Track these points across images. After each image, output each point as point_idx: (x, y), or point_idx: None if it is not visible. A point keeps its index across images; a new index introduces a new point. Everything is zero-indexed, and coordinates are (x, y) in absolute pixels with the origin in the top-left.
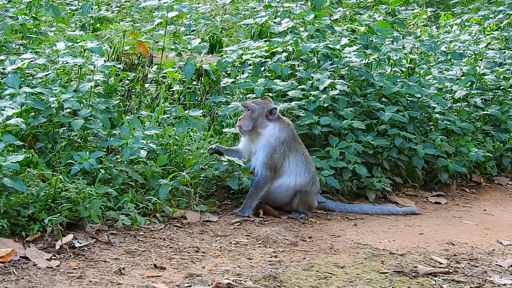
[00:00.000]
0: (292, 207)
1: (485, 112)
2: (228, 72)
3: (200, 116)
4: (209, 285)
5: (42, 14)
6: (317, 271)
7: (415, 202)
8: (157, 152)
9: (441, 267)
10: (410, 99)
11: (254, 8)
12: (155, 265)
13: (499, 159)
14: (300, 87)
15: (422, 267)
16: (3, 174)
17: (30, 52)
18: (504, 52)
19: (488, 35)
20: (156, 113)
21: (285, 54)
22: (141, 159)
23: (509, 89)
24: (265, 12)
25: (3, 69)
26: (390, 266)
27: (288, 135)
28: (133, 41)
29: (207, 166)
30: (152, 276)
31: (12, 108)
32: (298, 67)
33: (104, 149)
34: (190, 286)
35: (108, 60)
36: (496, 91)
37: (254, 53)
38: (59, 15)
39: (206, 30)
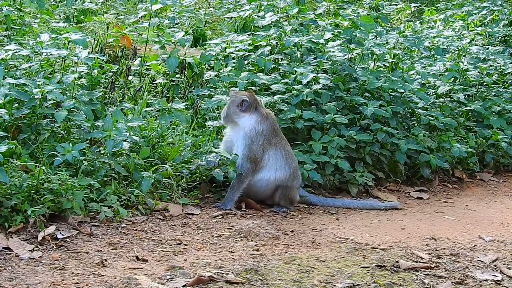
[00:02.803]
0: (274, 201)
1: (468, 108)
2: (211, 65)
3: (183, 108)
4: (190, 278)
5: (26, 5)
6: (298, 264)
7: (397, 197)
8: (140, 145)
9: (422, 262)
10: (393, 94)
11: (238, 1)
12: (137, 257)
13: (481, 155)
14: (283, 81)
15: (404, 262)
16: None
17: (14, 43)
18: (488, 48)
19: (472, 31)
20: (139, 106)
21: (268, 48)
22: (124, 151)
23: (492, 85)
24: (249, 5)
25: None
26: (372, 261)
27: (266, 128)
28: (117, 33)
29: (190, 159)
30: (134, 268)
31: None
32: (281, 61)
33: (87, 141)
34: (172, 278)
35: (91, 52)
36: (479, 87)
37: (238, 46)
38: (43, 7)
39: (190, 23)
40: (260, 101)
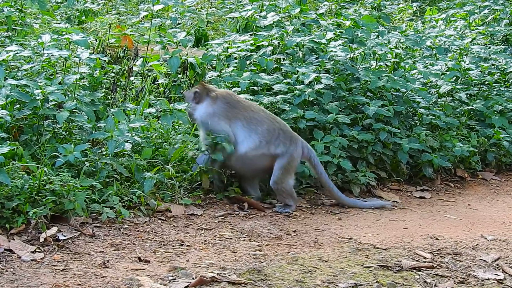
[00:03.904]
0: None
1: (470, 107)
2: (213, 65)
3: (185, 109)
4: (193, 278)
5: (28, 6)
6: (301, 264)
7: (399, 197)
8: (142, 145)
9: (425, 262)
10: (395, 93)
11: (240, 1)
12: (139, 258)
13: (483, 154)
14: (285, 81)
15: (406, 261)
16: None
17: (16, 44)
18: (489, 47)
19: (473, 30)
20: (141, 106)
21: (270, 48)
22: (126, 152)
23: (494, 84)
24: (251, 5)
25: None
26: (374, 260)
27: (218, 107)
28: (118, 34)
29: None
30: (137, 269)
31: None
32: (283, 61)
33: (89, 142)
34: (174, 279)
35: (93, 53)
36: (481, 86)
37: (240, 46)
38: (44, 8)
39: (192, 24)
40: (215, 88)
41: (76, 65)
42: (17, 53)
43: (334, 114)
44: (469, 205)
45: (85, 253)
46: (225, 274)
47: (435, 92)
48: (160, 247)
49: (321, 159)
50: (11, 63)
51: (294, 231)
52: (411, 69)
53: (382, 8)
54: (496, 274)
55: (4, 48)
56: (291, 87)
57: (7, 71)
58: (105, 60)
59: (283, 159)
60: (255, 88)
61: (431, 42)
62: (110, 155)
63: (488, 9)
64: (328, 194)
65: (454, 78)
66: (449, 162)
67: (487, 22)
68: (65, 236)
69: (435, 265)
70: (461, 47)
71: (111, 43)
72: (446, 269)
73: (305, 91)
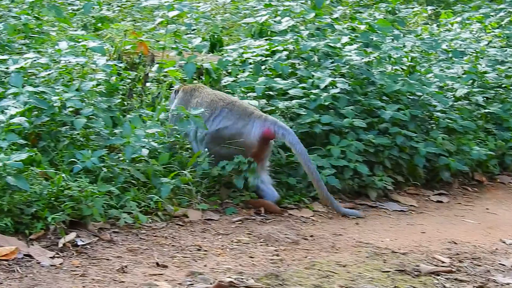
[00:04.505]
0: None
1: (486, 110)
2: (228, 71)
3: (201, 114)
4: (211, 283)
5: (45, 14)
6: (319, 269)
7: (416, 201)
8: (159, 151)
9: (443, 266)
10: (411, 97)
11: (254, 7)
12: (157, 263)
13: (501, 158)
14: (300, 85)
15: (425, 266)
16: (7, 173)
17: (33, 52)
18: (506, 50)
19: (489, 33)
20: (157, 112)
21: (285, 52)
22: (143, 158)
23: (510, 87)
24: (265, 11)
25: (6, 68)
26: (392, 265)
27: (178, 100)
28: (134, 40)
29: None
30: (155, 274)
31: (16, 107)
32: (298, 65)
33: (106, 148)
34: (192, 284)
35: (109, 60)
36: (498, 89)
37: (255, 51)
38: (61, 15)
39: (207, 29)
40: (190, 85)
41: (93, 72)
42: (34, 60)
43: (350, 118)
44: (487, 209)
45: (104, 258)
46: (242, 279)
47: (452, 96)
48: (177, 252)
49: (337, 164)
50: (29, 70)
51: (311, 236)
52: (427, 73)
53: (397, 12)
54: None
55: (22, 56)
56: (307, 92)
57: (25, 78)
58: (121, 67)
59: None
60: (271, 93)
61: (446, 45)
62: (127, 161)
63: (504, 12)
64: (311, 181)
65: (471, 81)
66: (466, 166)
67: (503, 25)
68: (83, 241)
69: (453, 270)
70: (477, 50)
71: (127, 50)
72: (465, 273)
73: (321, 96)
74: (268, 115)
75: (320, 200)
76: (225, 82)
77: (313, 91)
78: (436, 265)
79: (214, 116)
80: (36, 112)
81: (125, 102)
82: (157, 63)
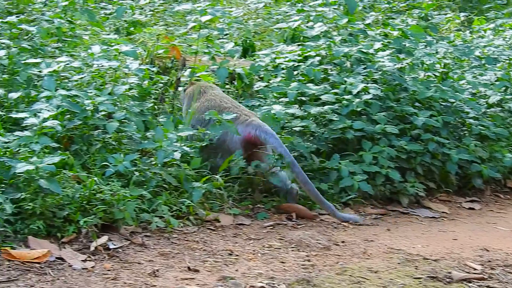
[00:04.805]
0: None
1: None
2: (261, 76)
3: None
4: None
5: (77, 17)
6: (350, 275)
7: (448, 208)
8: (191, 155)
9: (475, 273)
10: (443, 104)
11: (287, 12)
12: (188, 268)
13: None
14: (333, 91)
15: (457, 273)
16: (40, 176)
17: (66, 55)
18: None
19: None
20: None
21: (318, 58)
22: (175, 162)
23: None
24: (298, 16)
25: (40, 72)
26: (424, 272)
27: (185, 100)
28: (166, 44)
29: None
30: (186, 279)
31: (48, 111)
32: (331, 71)
33: (139, 152)
34: None
35: (142, 64)
36: None
37: (287, 57)
38: (93, 19)
39: (239, 34)
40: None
41: (125, 76)
42: (67, 64)
43: (382, 124)
44: None
45: (135, 262)
46: (274, 284)
47: (484, 102)
48: (209, 257)
49: (369, 170)
50: (62, 74)
51: (343, 242)
52: (460, 79)
53: (430, 18)
54: None
55: (55, 59)
56: (339, 98)
57: (58, 82)
58: (153, 71)
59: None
60: (303, 98)
61: (479, 52)
62: (159, 165)
63: None
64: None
65: (504, 88)
66: (498, 173)
67: None
68: (115, 245)
69: (485, 277)
70: (510, 57)
71: (159, 54)
72: (497, 281)
73: (353, 102)
74: (255, 118)
75: (316, 203)
76: (257, 87)
77: (346, 97)
78: (468, 272)
79: (206, 123)
80: (68, 116)
81: (157, 106)
82: (189, 68)
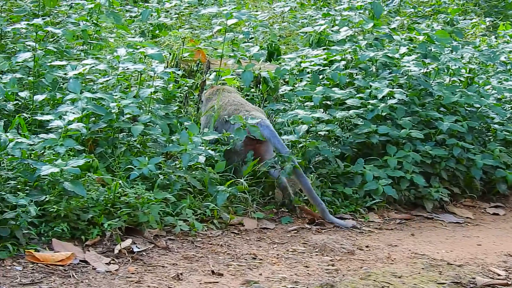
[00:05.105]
0: None
1: None
2: (286, 79)
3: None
4: None
5: (103, 20)
6: (374, 280)
7: (472, 213)
8: (216, 159)
9: (499, 279)
10: (469, 109)
11: (312, 16)
12: (212, 271)
13: None
14: (358, 95)
15: (481, 278)
16: (64, 178)
17: (91, 58)
18: None
19: None
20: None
21: (343, 62)
22: (199, 165)
23: None
24: (324, 20)
25: (65, 74)
26: (448, 277)
27: (202, 104)
28: (192, 48)
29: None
30: (210, 282)
31: (74, 113)
32: (356, 75)
33: (163, 155)
34: None
35: (167, 67)
36: None
37: (313, 61)
38: (119, 22)
39: (264, 38)
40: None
41: (151, 79)
42: (93, 66)
43: (407, 129)
44: None
45: (159, 266)
46: None
47: (510, 108)
48: (233, 261)
49: (394, 175)
50: (87, 77)
51: (367, 246)
52: (485, 85)
53: (455, 23)
54: None
55: (80, 62)
56: (364, 102)
57: (83, 84)
58: (178, 74)
59: None
60: (328, 102)
61: (505, 57)
62: (183, 168)
63: None
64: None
65: None
66: None
67: None
68: (139, 248)
69: (509, 283)
70: None
71: (185, 57)
72: None
73: (378, 106)
74: (255, 113)
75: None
76: (282, 91)
77: (371, 101)
78: (491, 278)
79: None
80: (93, 118)
81: (182, 110)
82: (214, 71)
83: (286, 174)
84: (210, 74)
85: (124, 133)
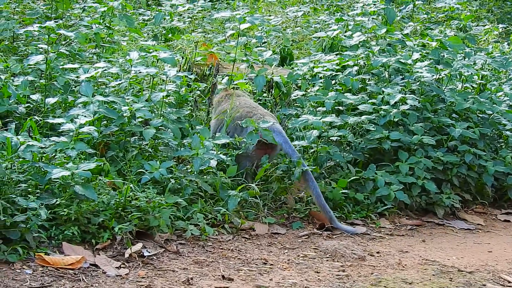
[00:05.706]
0: None
1: None
2: (298, 84)
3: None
4: None
5: (116, 23)
6: (385, 286)
7: (484, 220)
8: (227, 163)
9: (510, 286)
10: (481, 115)
11: (325, 21)
12: (223, 276)
13: None
14: (370, 101)
15: (491, 285)
16: (75, 182)
17: (104, 61)
18: None
19: None
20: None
21: (356, 67)
22: (211, 170)
23: None
24: (337, 25)
25: (77, 77)
26: (459, 284)
27: (216, 106)
28: (204, 52)
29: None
30: (220, 287)
31: (85, 116)
32: (369, 81)
33: (175, 159)
34: None
35: (180, 71)
36: None
37: (325, 66)
38: (132, 25)
39: (277, 43)
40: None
41: (163, 83)
42: (105, 70)
43: (419, 135)
44: None
45: (169, 270)
46: None
47: None
48: (243, 266)
49: (405, 180)
50: (99, 80)
51: (378, 252)
52: (497, 91)
53: (468, 29)
54: None
55: (92, 65)
56: (376, 108)
57: (95, 88)
58: (191, 78)
59: None
60: (340, 108)
61: None
62: (195, 173)
63: None
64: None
65: None
66: None
67: None
68: (149, 252)
69: None
70: None
71: (197, 61)
72: None
73: (390, 112)
74: (267, 118)
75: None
76: (294, 96)
77: (383, 107)
78: (502, 285)
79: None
80: (105, 122)
81: (194, 114)
82: (227, 75)
83: (296, 178)
84: (223, 78)
85: (136, 137)
